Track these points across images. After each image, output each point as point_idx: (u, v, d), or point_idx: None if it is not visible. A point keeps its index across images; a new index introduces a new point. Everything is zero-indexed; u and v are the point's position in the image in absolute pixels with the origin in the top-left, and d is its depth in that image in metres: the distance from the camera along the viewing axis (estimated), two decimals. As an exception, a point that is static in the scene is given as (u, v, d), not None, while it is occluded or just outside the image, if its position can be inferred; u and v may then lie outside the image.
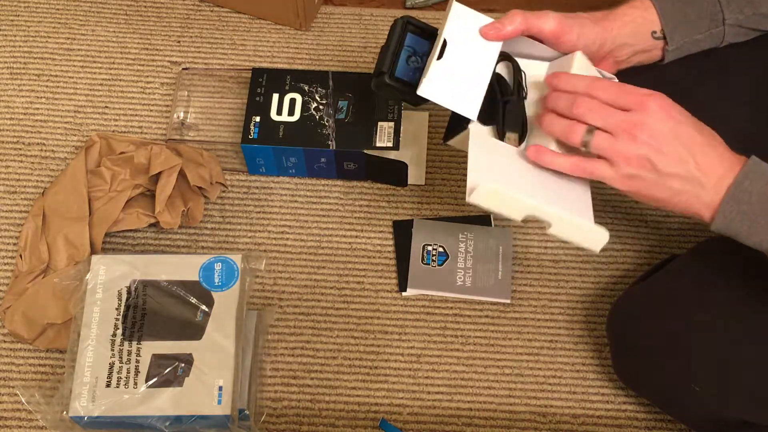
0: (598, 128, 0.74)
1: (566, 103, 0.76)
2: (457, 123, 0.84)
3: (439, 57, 0.82)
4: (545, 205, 0.75)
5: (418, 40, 0.87)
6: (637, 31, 0.83)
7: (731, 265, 0.83)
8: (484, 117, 0.83)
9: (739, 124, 0.91)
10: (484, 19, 0.82)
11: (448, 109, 0.83)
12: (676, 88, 0.92)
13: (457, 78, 0.81)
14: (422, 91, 0.80)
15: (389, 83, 0.85)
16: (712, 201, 0.72)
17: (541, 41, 0.83)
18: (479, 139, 0.82)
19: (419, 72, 0.85)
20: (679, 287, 0.88)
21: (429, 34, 0.88)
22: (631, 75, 0.87)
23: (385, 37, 0.88)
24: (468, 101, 0.81)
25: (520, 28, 0.81)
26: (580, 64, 0.82)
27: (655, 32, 0.83)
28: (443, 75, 0.80)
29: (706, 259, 0.88)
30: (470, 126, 0.83)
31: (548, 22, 0.81)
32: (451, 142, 0.87)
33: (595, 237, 0.76)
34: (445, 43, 0.83)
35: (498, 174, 0.78)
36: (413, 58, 0.86)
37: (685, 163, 0.72)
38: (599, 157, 0.75)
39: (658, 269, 0.95)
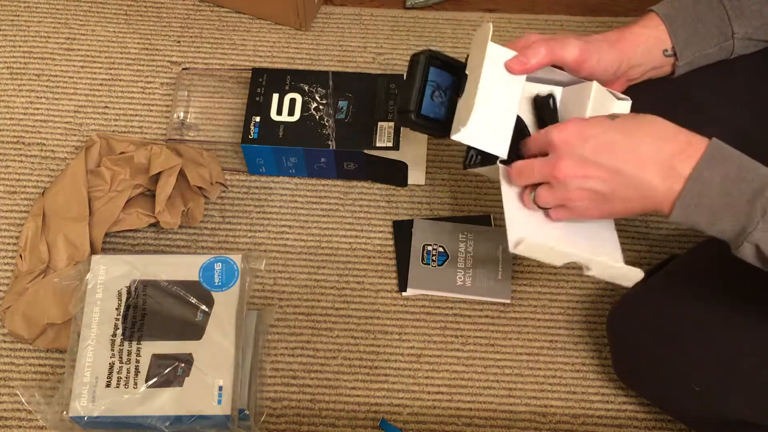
0: (538, 185, 0.77)
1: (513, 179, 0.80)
2: (483, 157, 0.83)
3: (461, 93, 0.82)
4: (585, 254, 0.78)
5: (441, 74, 0.85)
6: (649, 50, 0.84)
7: (731, 265, 0.83)
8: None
9: (738, 124, 0.92)
10: (508, 53, 0.81)
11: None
12: (676, 90, 0.92)
13: (489, 118, 0.80)
14: (459, 137, 0.80)
15: (415, 121, 0.84)
16: (668, 194, 0.71)
17: (561, 68, 0.83)
18: (509, 182, 0.82)
19: (444, 107, 0.84)
20: (678, 287, 0.89)
21: (452, 68, 0.86)
22: (637, 85, 0.88)
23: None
24: (498, 140, 0.81)
25: (544, 60, 0.81)
26: (597, 95, 0.82)
27: (666, 50, 0.84)
28: (480, 119, 0.80)
29: (706, 260, 0.88)
30: (499, 162, 0.82)
31: (571, 51, 0.81)
32: (472, 170, 0.87)
33: (629, 276, 0.79)
34: (466, 77, 0.82)
35: (536, 224, 0.79)
36: (437, 93, 0.85)
37: (619, 174, 0.72)
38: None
39: (658, 269, 0.95)
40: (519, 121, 0.83)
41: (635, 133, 0.72)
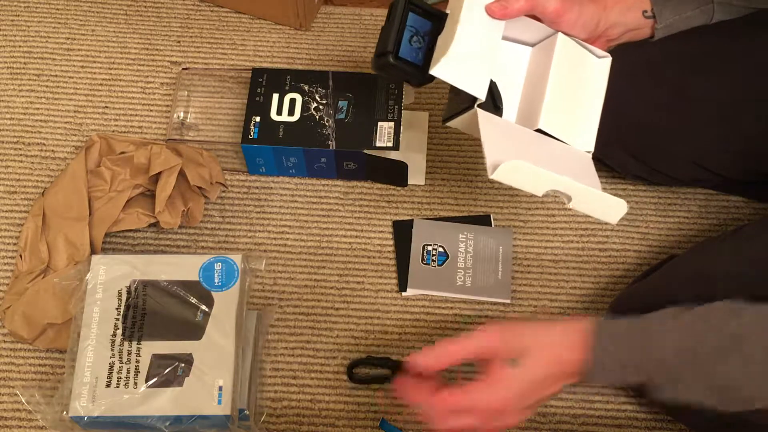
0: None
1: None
2: (462, 102, 0.83)
3: (441, 31, 0.82)
4: (568, 179, 0.76)
5: (419, 20, 0.86)
6: (629, 9, 0.85)
7: (730, 265, 0.83)
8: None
9: (720, 99, 0.92)
10: None
11: (446, 90, 0.83)
12: (672, 83, 0.93)
13: (467, 57, 0.80)
14: (437, 71, 0.80)
15: (394, 63, 0.84)
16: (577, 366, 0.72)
17: (540, 20, 0.84)
18: (488, 117, 0.82)
19: (422, 52, 0.85)
20: (677, 287, 0.88)
21: (430, 14, 0.87)
22: (628, 75, 0.88)
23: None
24: (477, 79, 0.81)
25: (525, 6, 0.81)
26: (563, 48, 0.83)
27: (645, 11, 0.85)
28: (458, 56, 0.80)
29: (705, 259, 0.88)
30: (477, 106, 0.83)
31: (551, 2, 0.81)
32: (451, 123, 0.87)
33: (614, 208, 0.77)
34: (444, 17, 0.83)
35: (515, 150, 0.78)
36: (415, 38, 0.85)
37: (523, 397, 0.73)
38: None
39: (657, 269, 0.95)
40: (493, 86, 0.83)
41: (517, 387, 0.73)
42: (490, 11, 0.82)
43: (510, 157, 0.76)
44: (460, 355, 0.74)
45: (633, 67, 0.91)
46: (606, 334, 0.71)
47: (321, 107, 1.07)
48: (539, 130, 0.83)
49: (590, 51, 0.85)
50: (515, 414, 0.73)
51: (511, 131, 0.83)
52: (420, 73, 0.84)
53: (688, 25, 0.86)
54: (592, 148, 0.85)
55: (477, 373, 0.73)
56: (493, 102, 0.84)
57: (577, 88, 0.85)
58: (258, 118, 1.06)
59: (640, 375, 0.71)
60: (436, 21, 0.85)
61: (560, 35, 0.83)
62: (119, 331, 0.92)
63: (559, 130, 0.83)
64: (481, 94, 0.81)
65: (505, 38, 0.85)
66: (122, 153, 1.05)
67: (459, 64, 0.80)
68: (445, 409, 0.73)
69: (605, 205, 0.77)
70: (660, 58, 0.93)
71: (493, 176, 0.76)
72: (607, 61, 0.85)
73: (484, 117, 0.82)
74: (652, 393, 0.72)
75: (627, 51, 0.91)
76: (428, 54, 0.85)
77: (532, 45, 0.87)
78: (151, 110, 1.17)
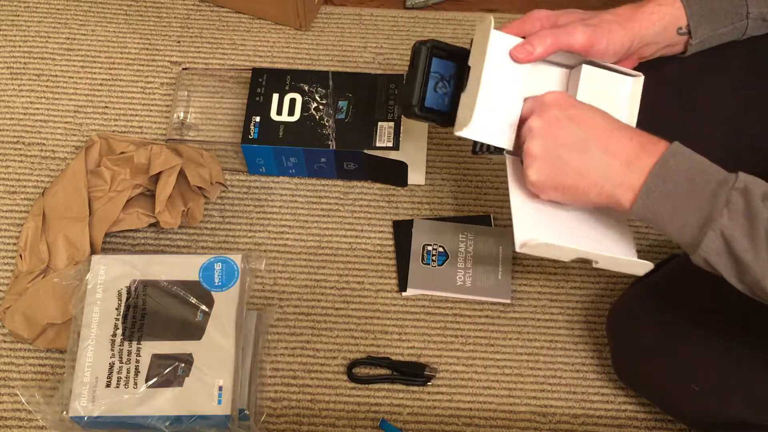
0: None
1: None
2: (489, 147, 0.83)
3: (463, 86, 0.81)
4: (592, 249, 0.77)
5: (443, 64, 0.85)
6: (664, 29, 0.83)
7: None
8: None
9: (731, 121, 0.92)
10: (512, 40, 0.81)
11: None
12: (672, 85, 0.92)
13: (493, 111, 0.80)
14: (464, 134, 0.79)
15: (420, 115, 0.84)
16: (631, 182, 0.71)
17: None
18: (518, 169, 0.81)
19: (448, 98, 0.84)
20: (678, 287, 0.88)
21: (453, 55, 0.85)
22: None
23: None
24: (503, 132, 0.80)
25: (551, 49, 0.80)
26: (587, 77, 0.82)
27: (680, 28, 0.83)
28: (483, 114, 0.79)
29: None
30: (506, 153, 0.82)
31: (577, 37, 0.79)
32: (482, 156, 0.86)
33: (638, 267, 0.78)
34: (468, 69, 0.82)
35: (544, 221, 0.79)
36: (441, 84, 0.85)
37: (583, 143, 0.73)
38: None
39: (658, 269, 0.95)
40: None
41: (610, 119, 0.75)
42: (514, 57, 0.80)
43: (538, 231, 0.77)
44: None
45: (633, 68, 0.91)
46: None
47: (321, 107, 1.07)
48: None
49: (620, 72, 0.84)
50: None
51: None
52: (446, 119, 0.84)
53: (721, 40, 0.85)
54: None
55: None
56: None
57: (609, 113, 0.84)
58: (258, 118, 1.06)
59: (702, 209, 0.68)
60: (461, 60, 0.84)
61: (584, 67, 0.82)
62: (119, 331, 0.92)
63: None
64: (508, 145, 0.81)
65: (546, 61, 0.84)
66: (122, 153, 1.05)
67: (484, 122, 0.79)
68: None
69: (629, 265, 0.78)
70: (661, 58, 0.93)
71: (521, 251, 0.77)
72: (640, 79, 0.83)
73: (513, 171, 0.81)
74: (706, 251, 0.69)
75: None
76: (455, 97, 0.84)
77: (569, 67, 0.85)
78: (151, 110, 1.17)
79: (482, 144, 0.81)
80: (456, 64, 0.85)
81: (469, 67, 0.82)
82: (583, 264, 1.06)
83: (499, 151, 0.82)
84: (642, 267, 0.78)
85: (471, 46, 0.83)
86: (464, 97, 0.82)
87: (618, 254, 0.78)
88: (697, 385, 0.83)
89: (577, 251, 0.77)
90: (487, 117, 0.79)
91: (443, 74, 0.85)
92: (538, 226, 0.78)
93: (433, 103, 0.84)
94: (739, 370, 0.81)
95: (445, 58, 0.85)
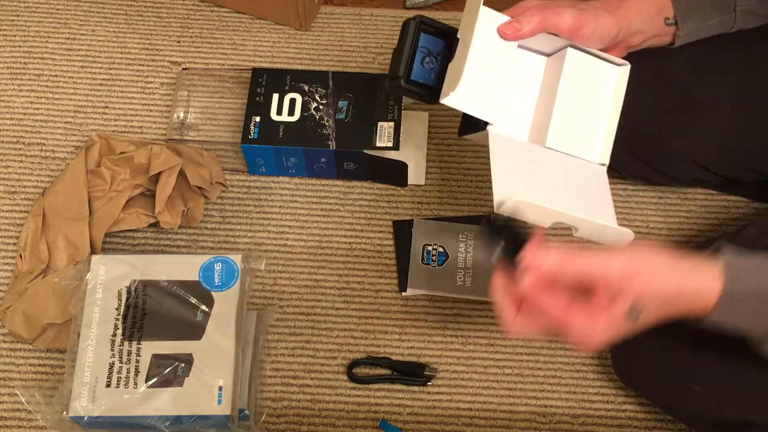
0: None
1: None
2: (475, 122, 0.83)
3: (451, 57, 0.82)
4: (572, 212, 0.76)
5: (432, 40, 0.86)
6: (651, 18, 0.83)
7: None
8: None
9: (731, 121, 0.92)
10: (501, 18, 0.81)
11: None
12: (673, 85, 0.92)
13: (478, 84, 0.80)
14: (448, 101, 0.80)
15: (405, 87, 0.85)
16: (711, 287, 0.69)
17: (557, 35, 0.83)
18: (499, 141, 0.81)
19: (435, 73, 0.85)
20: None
21: (443, 33, 0.86)
22: (634, 71, 0.88)
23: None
24: (488, 105, 0.81)
25: (539, 26, 0.80)
26: (572, 61, 0.82)
27: (668, 18, 0.83)
28: (469, 83, 0.80)
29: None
30: (488, 128, 0.82)
31: (565, 19, 0.80)
32: (467, 137, 0.87)
33: (619, 237, 0.77)
34: (456, 41, 0.82)
35: (523, 182, 0.78)
36: (428, 59, 0.86)
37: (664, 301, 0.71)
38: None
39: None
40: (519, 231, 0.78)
41: (673, 254, 0.70)
42: (502, 33, 0.81)
43: (517, 191, 0.76)
44: (582, 269, 0.68)
45: (633, 68, 0.91)
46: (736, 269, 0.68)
47: (321, 107, 1.07)
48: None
49: (607, 60, 0.84)
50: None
51: (522, 154, 0.82)
52: (433, 94, 0.84)
53: (710, 33, 0.85)
54: (607, 161, 0.84)
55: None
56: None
57: (591, 100, 0.83)
58: (258, 118, 1.06)
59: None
60: (449, 39, 0.85)
61: (569, 50, 0.82)
62: (119, 331, 0.92)
63: (570, 146, 0.82)
64: (494, 119, 0.81)
65: (520, 47, 0.85)
66: (122, 153, 1.05)
67: (470, 92, 0.80)
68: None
69: (611, 235, 0.77)
70: (661, 59, 0.93)
71: (500, 211, 0.76)
72: (626, 68, 0.84)
73: (494, 142, 0.81)
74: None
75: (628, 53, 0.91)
76: (441, 73, 0.85)
77: (547, 55, 0.86)
78: (151, 110, 1.17)
79: (469, 122, 0.82)
80: (444, 42, 0.86)
81: (458, 39, 0.83)
82: (583, 264, 1.07)
83: (481, 128, 0.82)
84: (624, 236, 0.77)
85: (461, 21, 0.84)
86: (451, 66, 0.83)
87: (599, 221, 0.77)
88: (697, 385, 0.83)
89: (557, 213, 0.76)
90: (473, 87, 0.80)
91: (431, 50, 0.85)
92: (518, 187, 0.77)
93: (420, 77, 0.85)
94: (739, 370, 0.81)
95: (433, 35, 0.86)
